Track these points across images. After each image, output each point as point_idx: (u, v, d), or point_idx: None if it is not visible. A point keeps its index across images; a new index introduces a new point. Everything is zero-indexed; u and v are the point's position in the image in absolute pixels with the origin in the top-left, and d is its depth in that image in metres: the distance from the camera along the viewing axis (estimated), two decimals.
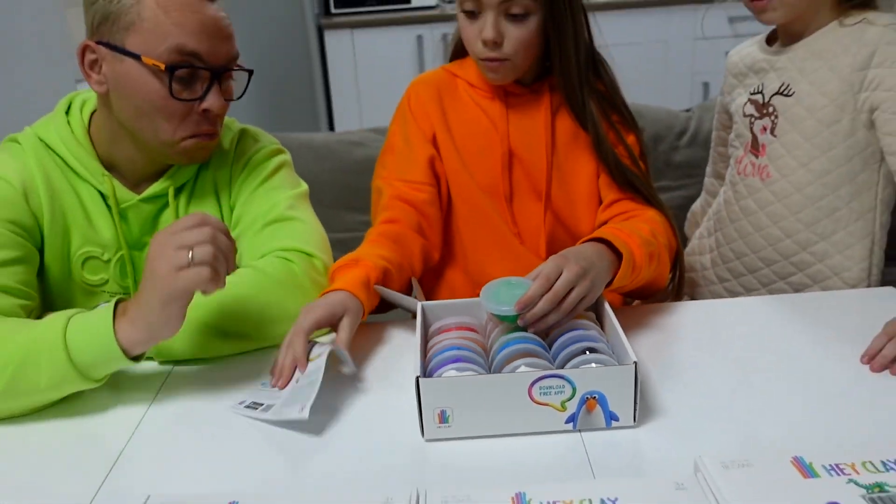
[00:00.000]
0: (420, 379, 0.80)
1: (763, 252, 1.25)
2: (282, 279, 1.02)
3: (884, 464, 0.64)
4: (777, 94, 1.19)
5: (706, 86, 3.53)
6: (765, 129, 1.21)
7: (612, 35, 3.93)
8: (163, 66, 0.95)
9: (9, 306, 0.96)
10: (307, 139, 1.99)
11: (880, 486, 0.61)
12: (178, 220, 0.86)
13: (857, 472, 0.63)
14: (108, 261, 1.07)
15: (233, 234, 1.10)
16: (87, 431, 0.88)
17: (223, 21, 1.00)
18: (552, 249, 1.21)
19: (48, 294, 1.07)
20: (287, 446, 0.83)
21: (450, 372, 0.83)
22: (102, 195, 1.06)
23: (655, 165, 1.90)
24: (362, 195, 1.94)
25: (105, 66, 0.99)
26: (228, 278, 0.88)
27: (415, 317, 0.98)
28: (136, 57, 0.96)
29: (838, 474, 0.63)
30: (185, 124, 1.00)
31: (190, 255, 0.82)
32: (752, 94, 1.24)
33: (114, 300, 0.87)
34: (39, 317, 1.00)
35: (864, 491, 0.61)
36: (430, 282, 1.29)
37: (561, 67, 1.15)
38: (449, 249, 1.25)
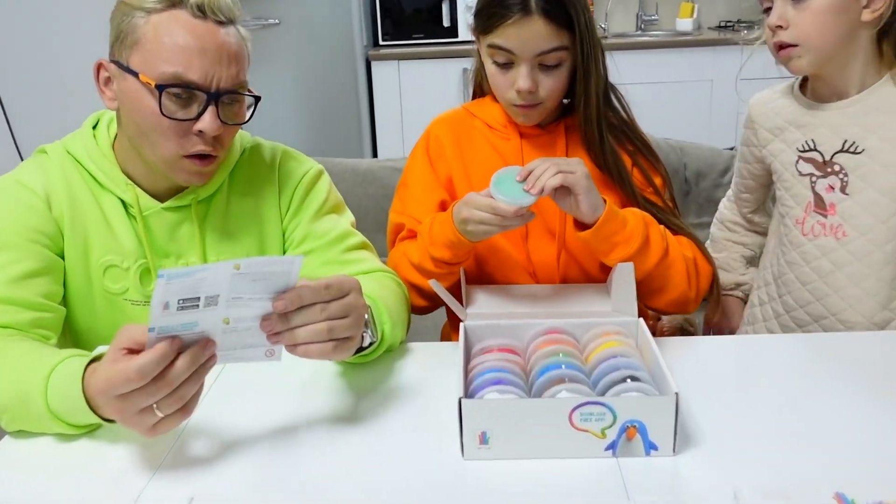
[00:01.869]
0: (462, 400, 0.81)
1: (843, 314, 1.19)
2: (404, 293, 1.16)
3: None
4: (841, 151, 1.17)
5: None
6: (832, 187, 1.18)
7: (659, 73, 3.96)
8: (153, 85, 0.99)
9: (26, 321, 1.00)
10: (352, 164, 2.03)
11: None
12: (115, 378, 0.76)
13: None
14: (128, 269, 1.11)
15: (295, 250, 1.17)
16: (133, 434, 0.90)
17: (228, 46, 1.01)
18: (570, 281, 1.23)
19: (71, 302, 1.11)
20: (328, 457, 0.85)
21: (491, 394, 0.84)
22: (125, 204, 1.10)
23: (697, 201, 1.90)
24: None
25: (115, 83, 1.05)
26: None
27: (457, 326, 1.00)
28: (136, 75, 1.00)
29: None
30: (181, 143, 1.02)
31: (158, 413, 0.78)
32: (802, 151, 1.20)
33: (85, 361, 0.84)
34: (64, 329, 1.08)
35: None
36: None
37: (584, 105, 1.18)
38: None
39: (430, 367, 1.06)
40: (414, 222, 1.25)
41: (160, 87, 0.98)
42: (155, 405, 0.77)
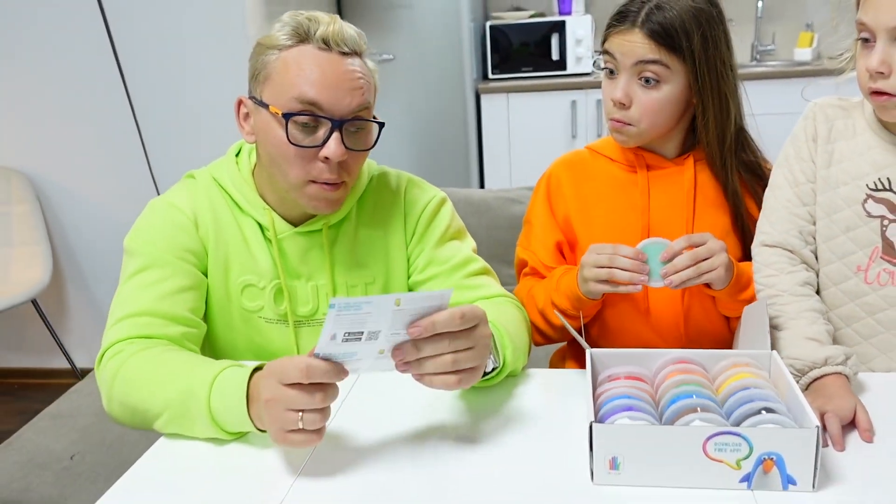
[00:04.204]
0: (594, 424, 0.82)
1: None
2: (525, 318, 1.19)
3: None
4: None
5: None
6: None
7: (776, 103, 3.84)
8: (280, 113, 1.04)
9: (176, 334, 1.07)
10: (466, 194, 2.06)
11: None
12: (287, 365, 0.83)
13: None
14: (264, 288, 1.17)
15: (419, 275, 1.22)
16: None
17: (352, 75, 1.06)
18: (691, 331, 1.23)
19: (211, 318, 1.18)
20: (452, 473, 0.87)
21: (623, 419, 0.84)
22: (262, 228, 1.16)
23: None
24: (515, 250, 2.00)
25: (252, 117, 1.11)
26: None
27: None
28: (267, 107, 1.06)
29: None
30: (307, 169, 1.06)
31: (300, 422, 0.82)
32: (873, 189, 1.08)
33: (249, 370, 0.91)
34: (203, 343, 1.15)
35: None
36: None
37: (707, 143, 1.20)
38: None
39: (553, 392, 1.07)
40: (536, 259, 1.29)
41: (287, 116, 1.04)
42: (301, 414, 0.82)
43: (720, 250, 1.09)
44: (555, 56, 3.61)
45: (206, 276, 1.16)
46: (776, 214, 1.16)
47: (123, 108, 2.73)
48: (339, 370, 0.83)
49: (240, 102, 1.13)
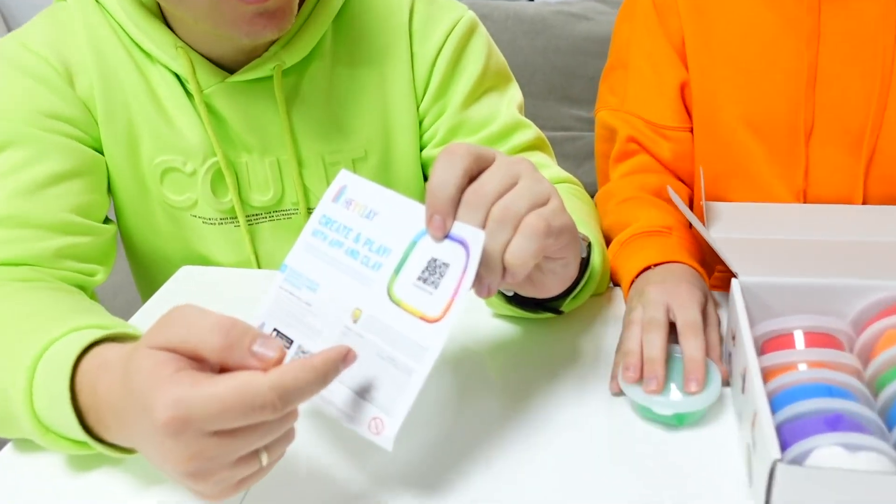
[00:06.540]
0: (779, 465, 0.43)
1: None
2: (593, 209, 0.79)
3: None
4: None
5: None
6: None
7: None
8: None
9: (48, 251, 0.67)
10: (516, 9, 1.62)
11: None
12: (227, 399, 0.40)
13: None
14: (195, 173, 0.76)
15: (435, 149, 0.80)
16: None
17: None
18: None
19: (123, 217, 0.79)
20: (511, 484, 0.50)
21: (833, 449, 0.45)
22: (181, 80, 0.73)
23: None
24: (582, 83, 1.57)
25: None
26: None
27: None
28: None
29: None
30: None
31: (262, 459, 0.44)
32: None
33: (82, 343, 0.49)
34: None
35: None
36: None
37: None
38: None
39: None
40: (640, 126, 0.83)
41: None
42: (264, 449, 0.44)
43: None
44: None
45: (103, 155, 0.75)
46: None
47: None
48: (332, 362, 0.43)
49: None
